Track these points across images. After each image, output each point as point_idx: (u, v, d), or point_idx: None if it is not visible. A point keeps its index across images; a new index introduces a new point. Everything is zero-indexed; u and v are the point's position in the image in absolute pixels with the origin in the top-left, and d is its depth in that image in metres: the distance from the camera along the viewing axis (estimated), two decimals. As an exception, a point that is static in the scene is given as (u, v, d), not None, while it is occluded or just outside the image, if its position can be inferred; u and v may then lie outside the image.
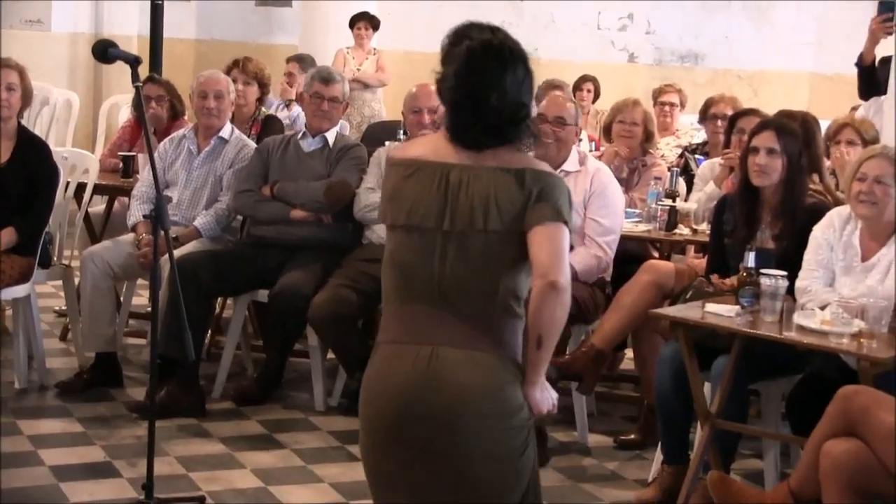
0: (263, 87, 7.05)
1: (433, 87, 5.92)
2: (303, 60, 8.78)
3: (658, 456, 4.90)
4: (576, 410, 5.47)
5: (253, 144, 6.27)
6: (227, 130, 6.20)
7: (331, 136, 6.11)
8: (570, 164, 5.59)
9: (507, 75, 2.99)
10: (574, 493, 4.94)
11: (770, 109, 6.04)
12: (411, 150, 3.11)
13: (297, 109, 7.62)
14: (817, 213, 4.71)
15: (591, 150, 6.87)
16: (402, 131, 6.38)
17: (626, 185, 6.18)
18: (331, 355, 5.83)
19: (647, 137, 6.43)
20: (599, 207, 5.51)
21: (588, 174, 5.57)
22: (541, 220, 2.92)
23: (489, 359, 2.96)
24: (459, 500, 2.99)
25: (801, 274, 4.53)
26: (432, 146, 3.05)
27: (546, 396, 3.06)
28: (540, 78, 9.64)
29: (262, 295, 5.82)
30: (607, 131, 6.64)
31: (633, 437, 5.45)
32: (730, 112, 6.42)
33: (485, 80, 2.97)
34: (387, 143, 6.31)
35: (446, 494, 2.99)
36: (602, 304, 5.48)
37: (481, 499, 2.99)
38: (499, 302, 2.97)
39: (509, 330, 2.99)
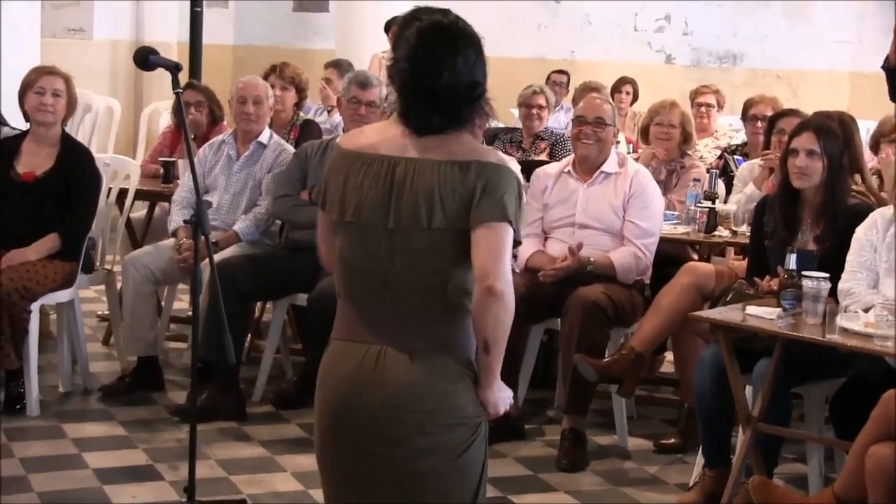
0: (301, 91, 7.05)
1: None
2: (339, 66, 8.77)
3: (699, 460, 4.84)
4: (615, 414, 5.42)
5: (291, 149, 6.26)
6: (265, 135, 6.20)
7: (368, 139, 6.09)
8: (610, 166, 5.56)
9: (459, 56, 2.91)
10: (614, 497, 4.90)
11: (809, 109, 6.00)
12: (362, 138, 2.99)
13: (338, 116, 7.61)
14: (859, 213, 4.65)
15: (629, 153, 6.83)
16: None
17: (665, 187, 6.13)
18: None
19: (685, 139, 6.39)
20: (638, 210, 5.48)
21: (627, 176, 5.54)
22: (482, 220, 2.84)
23: (435, 357, 2.91)
24: (406, 498, 2.95)
25: (843, 276, 4.47)
26: (381, 135, 2.95)
27: (502, 397, 3.02)
28: (576, 80, 9.69)
29: (301, 299, 5.81)
30: (645, 133, 6.59)
31: (673, 440, 5.40)
32: (770, 113, 6.36)
33: (437, 60, 2.89)
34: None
35: (392, 491, 2.95)
36: (641, 307, 5.43)
37: (426, 496, 2.95)
38: (448, 300, 2.91)
39: (461, 327, 2.93)
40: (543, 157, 7.18)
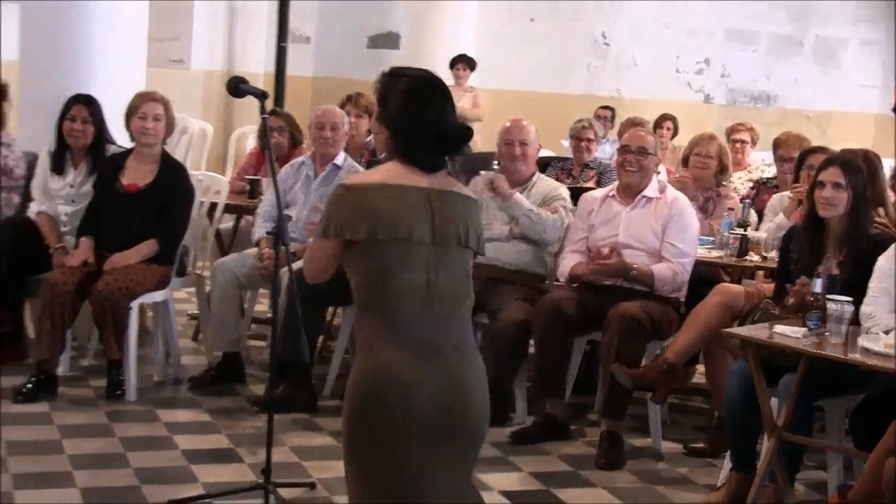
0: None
1: (525, 122, 6.00)
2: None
3: (726, 463, 4.79)
4: (650, 418, 5.39)
5: (362, 170, 6.28)
6: (340, 158, 6.22)
7: (431, 164, 6.10)
8: (651, 191, 5.56)
9: (448, 102, 3.06)
10: (647, 494, 4.86)
11: (836, 148, 5.94)
12: (373, 176, 3.04)
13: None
14: (881, 243, 4.59)
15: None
16: (495, 162, 6.36)
17: (703, 212, 6.13)
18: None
19: (721, 170, 6.36)
20: (676, 232, 5.46)
21: (667, 201, 5.53)
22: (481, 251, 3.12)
23: (473, 353, 3.05)
24: (465, 479, 3.06)
25: (865, 300, 4.41)
26: (390, 173, 3.02)
27: None
28: (622, 115, 9.65)
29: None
30: (685, 163, 6.59)
31: (702, 445, 5.35)
32: (796, 154, 6.31)
33: (435, 107, 3.03)
34: (482, 172, 6.28)
35: (460, 473, 3.04)
36: (676, 323, 5.40)
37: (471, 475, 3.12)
38: (468, 307, 3.07)
39: (471, 330, 3.11)
40: (591, 184, 7.15)
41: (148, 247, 5.65)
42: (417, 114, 3.01)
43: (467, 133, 3.07)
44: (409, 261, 2.95)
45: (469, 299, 3.06)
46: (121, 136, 6.00)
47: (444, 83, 3.10)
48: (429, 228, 2.96)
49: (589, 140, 7.53)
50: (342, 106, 6.88)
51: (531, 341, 5.56)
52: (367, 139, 7.04)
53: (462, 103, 10.32)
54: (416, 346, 2.94)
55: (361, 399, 2.95)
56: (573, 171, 7.46)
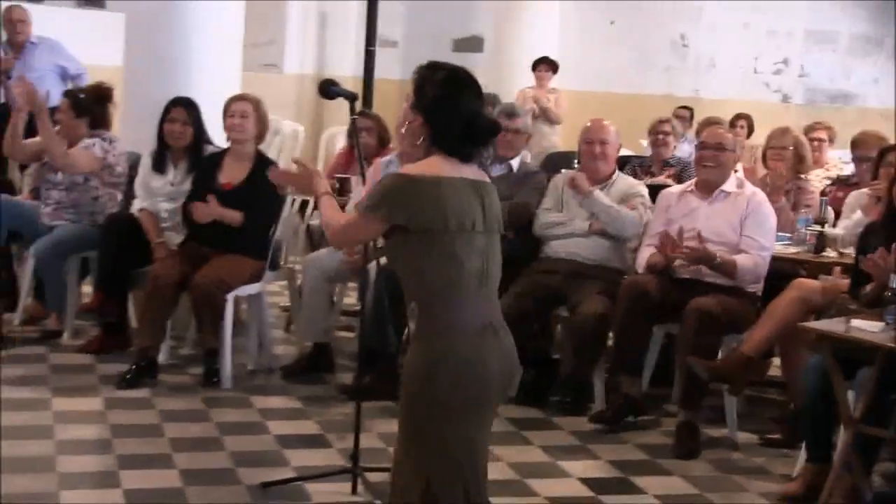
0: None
1: (605, 122, 5.99)
2: (491, 98, 8.81)
3: (802, 454, 4.73)
4: (726, 409, 5.34)
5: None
6: (427, 157, 6.25)
7: (515, 162, 6.13)
8: (729, 186, 5.53)
9: (479, 97, 3.16)
10: (724, 483, 4.82)
11: (915, 146, 5.84)
12: (429, 168, 3.10)
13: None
14: (959, 239, 4.51)
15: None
16: (575, 160, 6.36)
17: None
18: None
19: (799, 160, 6.29)
20: (754, 226, 5.42)
21: (745, 197, 5.49)
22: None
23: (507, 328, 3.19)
24: None
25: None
26: (441, 166, 3.11)
27: None
28: (700, 115, 9.57)
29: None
30: (764, 159, 6.53)
31: (778, 436, 5.29)
32: (873, 154, 6.20)
33: (467, 100, 3.13)
34: (563, 170, 6.28)
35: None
36: (752, 317, 5.34)
37: None
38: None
39: None
40: (668, 180, 7.09)
41: (235, 215, 5.71)
42: (451, 104, 3.11)
43: (496, 127, 3.19)
44: (470, 248, 3.08)
45: (498, 281, 3.23)
46: (219, 138, 6.11)
47: (476, 79, 3.18)
48: (482, 217, 3.11)
49: (666, 133, 7.40)
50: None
51: (610, 334, 5.56)
52: None
53: (544, 104, 10.33)
54: (477, 325, 3.07)
55: (438, 380, 3.04)
56: (652, 167, 7.37)
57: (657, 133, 7.43)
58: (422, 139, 3.15)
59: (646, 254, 5.56)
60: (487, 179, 3.20)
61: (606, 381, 5.60)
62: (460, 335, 3.05)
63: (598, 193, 5.73)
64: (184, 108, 6.06)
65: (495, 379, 3.10)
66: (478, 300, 3.09)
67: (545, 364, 5.77)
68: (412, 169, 3.13)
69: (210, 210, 5.67)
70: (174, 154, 6.15)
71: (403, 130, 3.30)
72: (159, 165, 6.15)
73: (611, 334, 5.56)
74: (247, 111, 5.84)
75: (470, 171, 3.14)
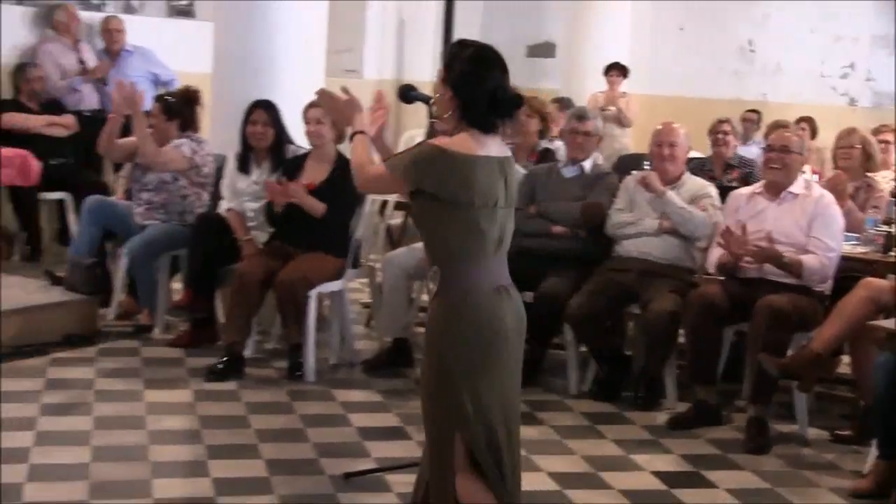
0: (544, 121, 7.00)
1: (676, 126, 5.92)
2: (563, 102, 8.76)
3: (873, 451, 4.62)
4: (796, 406, 5.24)
5: (522, 170, 6.26)
6: (502, 159, 6.22)
7: (587, 164, 6.08)
8: (796, 188, 5.43)
9: (505, 73, 3.23)
10: (794, 479, 4.72)
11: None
12: (469, 146, 3.18)
13: (560, 142, 7.59)
14: None
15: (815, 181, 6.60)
16: (646, 162, 6.28)
17: (853, 201, 5.97)
18: (583, 348, 5.78)
19: (867, 158, 6.17)
20: (822, 227, 5.30)
21: (813, 198, 5.38)
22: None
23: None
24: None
25: None
26: (475, 142, 3.19)
27: None
28: (769, 119, 9.42)
29: (527, 296, 5.78)
30: (834, 161, 6.41)
31: (849, 432, 5.17)
32: None
33: (493, 75, 3.20)
34: (633, 172, 6.22)
35: (519, 374, 3.33)
36: (821, 315, 5.23)
37: None
38: None
39: None
40: (736, 184, 6.94)
41: (319, 205, 5.73)
42: (479, 78, 3.19)
43: (518, 100, 3.25)
44: (491, 221, 3.20)
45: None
46: (305, 140, 6.13)
47: (502, 57, 3.25)
48: (504, 194, 3.23)
49: (725, 133, 7.20)
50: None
51: (681, 331, 5.48)
52: (537, 140, 6.97)
53: (614, 109, 10.25)
54: (492, 287, 3.22)
55: (457, 333, 3.19)
56: (714, 171, 7.15)
57: (717, 133, 7.24)
58: (451, 111, 3.22)
59: (716, 253, 5.48)
60: (509, 153, 3.30)
61: (678, 377, 5.53)
62: (476, 295, 3.19)
63: (671, 194, 5.67)
64: (264, 111, 6.11)
65: (509, 331, 3.24)
66: (493, 265, 3.23)
67: (618, 360, 5.72)
68: (447, 143, 3.18)
69: (293, 191, 5.69)
70: (257, 155, 6.20)
71: (434, 103, 3.29)
72: (243, 166, 6.20)
73: (681, 331, 5.48)
74: (321, 118, 5.85)
75: (495, 147, 3.23)
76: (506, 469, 3.23)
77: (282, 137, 6.19)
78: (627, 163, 7.55)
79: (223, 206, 6.25)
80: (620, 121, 10.28)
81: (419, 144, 3.32)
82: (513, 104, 3.23)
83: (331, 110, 3.52)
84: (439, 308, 3.24)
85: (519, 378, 3.33)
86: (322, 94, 3.60)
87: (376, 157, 3.45)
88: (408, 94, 4.39)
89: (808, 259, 5.23)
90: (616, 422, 5.32)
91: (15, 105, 7.89)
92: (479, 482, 3.21)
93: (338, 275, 5.82)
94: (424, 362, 3.29)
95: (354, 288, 7.06)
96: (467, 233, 3.18)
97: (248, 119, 6.13)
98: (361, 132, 3.43)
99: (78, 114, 8.12)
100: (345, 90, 3.55)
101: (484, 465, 3.19)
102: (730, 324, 5.38)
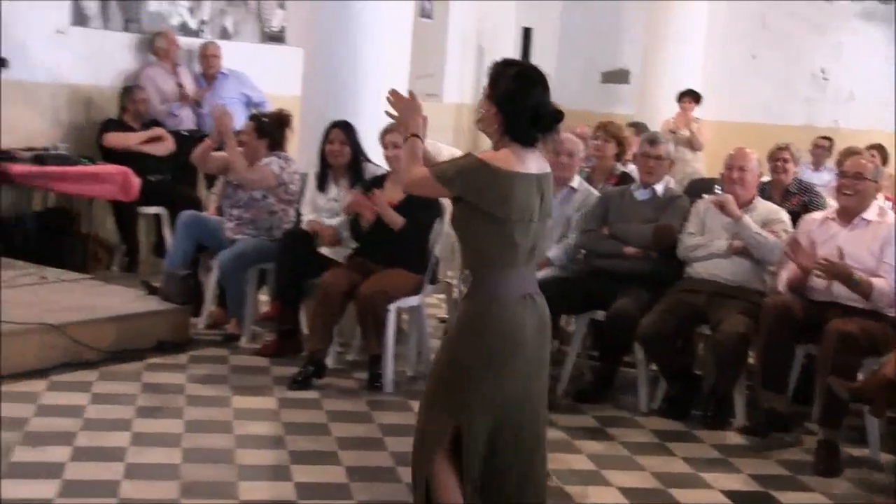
0: (620, 145, 6.96)
1: (747, 150, 5.84)
2: (638, 126, 8.70)
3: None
4: (868, 430, 5.11)
5: (596, 194, 6.23)
6: (576, 181, 6.20)
7: (659, 187, 6.01)
8: (870, 214, 5.32)
9: (546, 91, 3.30)
10: (865, 501, 4.60)
11: None
12: (511, 163, 3.25)
13: (633, 165, 7.53)
14: None
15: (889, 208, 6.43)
16: (717, 186, 6.20)
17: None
18: (653, 367, 5.71)
19: None
20: (893, 252, 5.18)
21: (886, 224, 5.27)
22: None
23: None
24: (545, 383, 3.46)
25: None
26: (516, 158, 3.26)
27: None
28: (840, 145, 9.25)
29: (599, 315, 5.78)
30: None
31: (921, 457, 5.05)
32: None
33: (535, 93, 3.27)
34: (704, 195, 6.14)
35: (544, 380, 3.43)
36: (892, 340, 5.10)
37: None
38: None
39: None
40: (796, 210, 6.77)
41: (398, 218, 5.75)
42: (522, 95, 3.25)
43: (559, 115, 3.29)
44: (524, 233, 3.28)
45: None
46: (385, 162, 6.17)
47: (544, 75, 3.32)
48: (538, 209, 3.30)
49: (785, 160, 7.04)
50: (595, 132, 6.90)
51: (750, 352, 5.39)
52: (614, 163, 6.93)
53: (686, 134, 10.15)
54: (518, 295, 3.29)
55: (482, 336, 3.29)
56: (773, 196, 6.97)
57: (776, 160, 7.08)
58: (495, 127, 3.29)
59: (786, 273, 5.39)
60: (548, 168, 3.34)
61: (747, 398, 5.43)
62: (503, 302, 3.27)
63: (747, 219, 5.59)
64: (341, 130, 6.15)
65: (529, 338, 3.31)
66: (522, 274, 3.31)
67: (687, 379, 5.64)
68: (490, 157, 3.26)
69: (376, 200, 5.72)
70: (335, 172, 6.24)
71: (479, 118, 3.30)
72: (322, 183, 6.25)
73: (751, 353, 5.39)
74: (398, 140, 5.88)
75: (534, 163, 3.29)
76: (503, 466, 3.32)
77: (358, 156, 6.24)
78: (699, 187, 7.45)
79: (304, 219, 6.32)
80: (692, 145, 10.18)
81: (465, 156, 3.41)
82: (553, 119, 3.29)
83: (395, 107, 3.54)
84: (467, 309, 3.34)
85: (541, 381, 3.41)
86: (392, 93, 3.64)
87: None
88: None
89: (878, 281, 5.11)
90: (686, 440, 5.24)
91: (119, 125, 8.05)
92: (453, 476, 3.33)
93: (416, 290, 5.83)
94: (443, 350, 3.41)
95: (432, 303, 7.08)
96: (500, 243, 3.26)
97: (326, 138, 6.19)
98: (416, 136, 3.48)
99: (175, 134, 8.27)
100: (410, 93, 3.59)
101: (467, 459, 3.29)
102: (801, 341, 5.27)
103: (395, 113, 3.56)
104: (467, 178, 3.25)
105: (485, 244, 3.29)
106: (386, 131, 5.90)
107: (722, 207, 5.62)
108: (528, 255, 3.32)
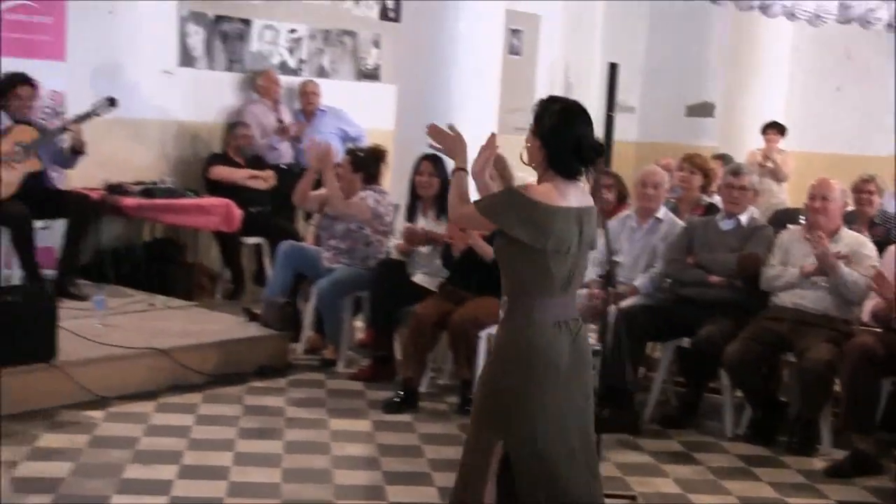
0: (706, 176, 6.92)
1: (832, 181, 5.75)
2: (724, 158, 8.61)
3: None
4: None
5: (681, 224, 6.19)
6: (661, 212, 6.17)
7: (744, 217, 5.95)
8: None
9: (589, 126, 3.34)
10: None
11: None
12: (552, 197, 3.30)
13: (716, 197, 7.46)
14: None
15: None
16: (802, 216, 6.11)
17: None
18: (738, 393, 5.63)
19: None
20: None
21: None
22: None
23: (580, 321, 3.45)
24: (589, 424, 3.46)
25: None
26: (557, 192, 3.32)
27: None
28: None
29: (685, 341, 5.73)
30: None
31: None
32: None
33: (578, 128, 3.32)
34: (789, 226, 6.05)
35: (585, 403, 3.44)
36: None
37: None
38: None
39: None
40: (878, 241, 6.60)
41: (488, 248, 5.74)
42: (565, 129, 3.30)
43: (601, 148, 3.37)
44: (561, 264, 3.33)
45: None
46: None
47: (586, 111, 3.36)
48: (577, 241, 3.34)
49: (870, 192, 6.89)
50: (680, 164, 6.87)
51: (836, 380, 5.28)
52: (700, 195, 6.88)
53: (771, 165, 10.01)
54: (553, 321, 3.34)
55: (521, 358, 3.33)
56: (857, 225, 6.83)
57: (861, 192, 6.93)
58: (539, 160, 3.35)
59: (871, 303, 5.28)
60: (590, 202, 3.40)
61: (832, 424, 5.32)
62: (536, 327, 3.32)
63: (844, 270, 5.45)
64: (431, 162, 6.20)
65: (563, 362, 3.33)
66: (557, 302, 3.35)
67: (773, 405, 5.55)
68: (532, 191, 3.32)
69: (470, 236, 5.76)
70: (424, 203, 6.30)
71: (524, 152, 3.33)
72: (411, 214, 6.32)
73: (837, 380, 5.28)
74: (492, 172, 5.89)
75: (575, 196, 3.35)
76: (561, 482, 3.34)
77: (446, 188, 6.27)
78: (783, 217, 7.35)
79: (392, 243, 6.39)
80: (777, 176, 10.03)
81: (507, 189, 3.52)
82: (595, 152, 3.34)
83: (439, 141, 3.60)
84: (504, 333, 3.40)
85: (586, 405, 3.43)
86: (432, 128, 3.69)
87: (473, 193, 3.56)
88: (575, 150, 4.43)
89: None
90: (771, 465, 5.15)
91: (223, 159, 8.24)
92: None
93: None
94: (485, 372, 3.46)
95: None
96: (536, 272, 3.32)
97: (416, 170, 6.25)
98: (462, 169, 3.55)
99: (276, 167, 8.44)
100: (451, 127, 3.66)
101: (518, 475, 3.31)
102: (886, 374, 5.15)
103: (438, 146, 3.64)
104: (508, 210, 3.31)
105: (521, 272, 3.35)
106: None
107: (821, 259, 5.48)
108: (564, 284, 3.35)
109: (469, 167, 3.54)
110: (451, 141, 3.60)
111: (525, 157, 3.39)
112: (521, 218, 3.29)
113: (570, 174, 3.34)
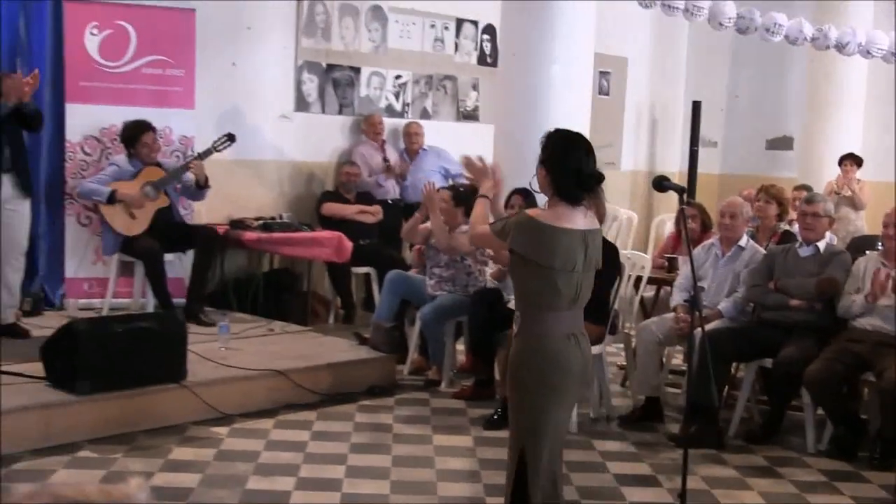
0: (781, 206, 6.85)
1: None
2: (805, 189, 8.49)
3: None
4: None
5: (762, 251, 6.13)
6: (744, 240, 6.12)
7: (821, 244, 5.87)
8: None
9: (590, 155, 3.43)
10: None
11: None
12: (555, 219, 3.38)
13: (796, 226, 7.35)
14: None
15: None
16: (879, 243, 5.99)
17: None
18: (820, 410, 5.54)
19: None
20: None
21: None
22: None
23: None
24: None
25: None
26: (564, 215, 3.39)
27: None
28: None
29: (767, 362, 5.66)
30: None
31: None
32: None
33: (577, 156, 3.39)
34: (867, 252, 5.95)
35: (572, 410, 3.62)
36: None
37: None
38: None
39: None
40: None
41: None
42: (566, 157, 3.39)
43: (600, 177, 3.42)
44: (568, 281, 3.40)
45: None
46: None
47: (586, 140, 3.47)
48: (583, 260, 3.40)
49: None
50: (757, 194, 6.81)
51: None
52: (776, 223, 6.81)
53: (846, 194, 9.81)
54: (563, 333, 3.41)
55: (531, 369, 3.41)
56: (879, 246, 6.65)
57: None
58: (546, 187, 3.44)
59: None
60: (596, 225, 3.47)
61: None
62: (549, 339, 3.39)
63: None
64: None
65: (574, 372, 3.43)
66: (565, 316, 3.42)
67: (853, 422, 5.44)
68: (539, 214, 3.44)
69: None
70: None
71: (534, 180, 3.50)
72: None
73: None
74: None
75: (581, 220, 3.41)
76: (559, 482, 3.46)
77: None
78: (860, 243, 7.21)
79: (488, 272, 6.45)
80: (854, 205, 9.82)
81: (518, 214, 3.58)
82: (594, 179, 3.40)
83: (469, 171, 3.81)
84: (518, 346, 3.46)
85: (571, 413, 3.57)
86: (465, 159, 3.85)
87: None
88: (661, 183, 4.44)
89: None
90: (853, 480, 5.06)
91: (335, 196, 8.43)
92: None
93: (598, 340, 5.82)
94: (509, 386, 3.50)
95: (612, 352, 7.04)
96: (545, 288, 3.39)
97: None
98: (485, 196, 3.69)
99: (382, 202, 8.59)
100: (480, 159, 3.80)
101: (532, 478, 3.38)
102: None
103: (470, 175, 3.81)
104: (518, 232, 3.40)
105: (532, 289, 3.42)
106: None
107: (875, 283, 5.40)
108: (571, 300, 3.42)
109: (484, 192, 3.69)
110: (479, 172, 3.78)
111: (535, 185, 3.50)
112: (529, 238, 3.38)
113: (574, 200, 3.40)
